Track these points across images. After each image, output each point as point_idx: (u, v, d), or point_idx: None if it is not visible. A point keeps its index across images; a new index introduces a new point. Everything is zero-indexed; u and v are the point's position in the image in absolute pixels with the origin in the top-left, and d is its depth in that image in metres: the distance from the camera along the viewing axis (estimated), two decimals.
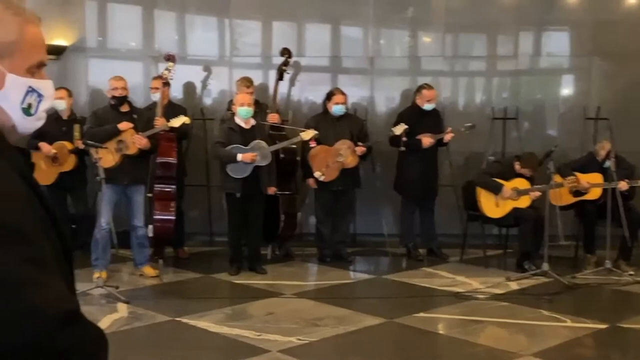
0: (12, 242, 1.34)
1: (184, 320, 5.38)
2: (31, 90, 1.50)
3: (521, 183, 6.92)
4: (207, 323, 5.32)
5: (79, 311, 1.43)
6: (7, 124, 1.50)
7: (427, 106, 7.29)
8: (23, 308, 1.32)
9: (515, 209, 6.89)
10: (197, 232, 8.03)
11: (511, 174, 6.96)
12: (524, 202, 6.90)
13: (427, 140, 7.18)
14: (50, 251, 1.44)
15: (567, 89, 8.52)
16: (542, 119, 8.35)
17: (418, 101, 7.33)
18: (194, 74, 8.16)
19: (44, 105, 1.54)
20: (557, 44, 8.40)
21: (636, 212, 6.89)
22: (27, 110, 1.51)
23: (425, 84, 7.41)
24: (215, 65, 8.25)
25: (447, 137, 7.27)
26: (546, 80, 8.51)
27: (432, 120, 7.36)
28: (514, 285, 6.42)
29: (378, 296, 6.29)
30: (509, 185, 6.89)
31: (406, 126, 7.05)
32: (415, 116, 7.25)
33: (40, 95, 1.52)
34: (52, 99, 1.56)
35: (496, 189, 6.88)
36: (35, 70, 1.51)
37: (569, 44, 8.37)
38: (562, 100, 8.42)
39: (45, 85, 1.54)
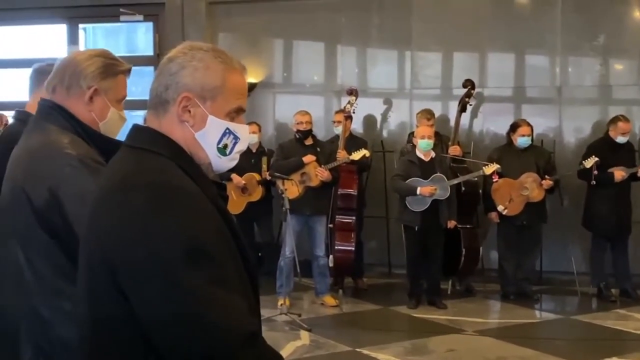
0: (201, 262, 1.42)
1: (364, 351, 5.40)
2: (228, 132, 1.61)
3: None
4: (388, 356, 5.30)
5: (259, 334, 1.48)
6: (204, 161, 1.61)
7: (621, 139, 6.87)
8: (207, 325, 1.40)
9: None
10: (375, 263, 8.06)
11: None
12: None
13: (619, 174, 6.75)
14: (235, 275, 1.51)
15: None
16: None
17: (611, 133, 6.92)
18: (375, 107, 8.27)
19: (239, 147, 1.64)
20: None
21: None
22: (222, 150, 1.61)
23: (622, 115, 6.98)
24: (396, 98, 8.32)
25: None
26: None
27: (625, 153, 6.93)
28: None
29: (566, 337, 5.97)
30: None
31: (597, 159, 6.68)
32: (606, 148, 6.85)
33: (236, 138, 1.62)
34: (247, 142, 1.66)
35: None
36: (234, 114, 1.62)
37: None
38: None
39: (242, 129, 1.63)
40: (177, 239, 1.42)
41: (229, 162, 1.65)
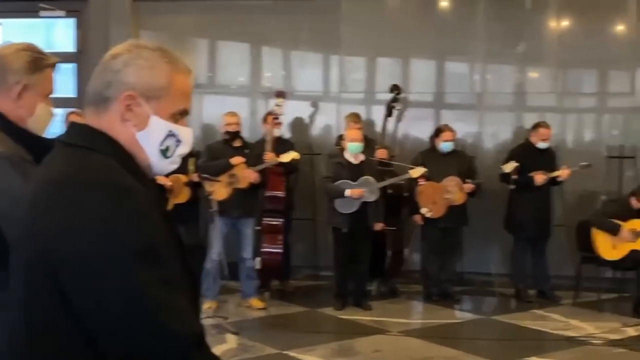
0: (151, 264, 1.40)
1: (292, 353, 5.41)
2: (171, 134, 1.57)
3: None
4: (315, 358, 5.34)
5: (205, 336, 1.48)
6: (145, 162, 1.58)
7: (542, 144, 7.13)
8: (158, 327, 1.39)
9: (633, 251, 6.59)
10: (302, 265, 8.08)
11: (628, 214, 6.68)
12: None
13: (540, 177, 7.00)
14: (180, 276, 1.49)
15: None
16: None
17: (532, 138, 7.18)
18: (302, 110, 8.30)
19: (181, 150, 1.60)
20: None
21: None
22: (164, 152, 1.58)
23: (543, 121, 7.26)
24: (323, 101, 8.38)
25: (563, 175, 7.06)
26: None
27: (546, 158, 7.19)
28: (631, 331, 6.13)
29: (487, 337, 6.13)
30: (626, 226, 6.61)
31: (517, 164, 6.91)
32: (528, 153, 7.10)
33: (178, 141, 1.59)
34: (189, 146, 1.62)
35: (613, 230, 6.61)
36: (178, 117, 1.58)
37: None
38: None
39: (185, 132, 1.60)
40: (129, 240, 1.39)
41: (170, 165, 1.61)
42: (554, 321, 6.51)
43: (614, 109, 8.18)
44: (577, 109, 8.32)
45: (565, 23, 8.09)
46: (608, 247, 6.68)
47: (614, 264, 6.87)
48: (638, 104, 7.95)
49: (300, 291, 7.54)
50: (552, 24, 8.11)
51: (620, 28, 8.02)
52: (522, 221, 7.12)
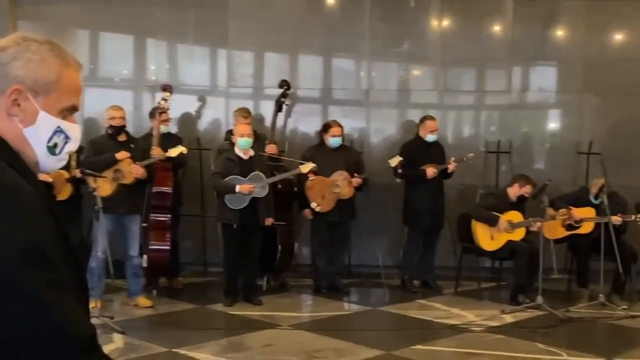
0: (39, 265, 1.36)
1: (181, 351, 5.34)
2: (59, 130, 1.53)
3: (515, 216, 6.99)
4: (205, 355, 5.29)
5: (97, 337, 1.45)
6: (32, 159, 1.53)
7: (430, 137, 7.36)
8: (51, 332, 1.35)
9: (510, 242, 6.94)
10: (191, 262, 7.98)
11: (505, 206, 7.02)
12: (518, 235, 6.96)
13: (431, 170, 7.22)
14: (69, 276, 1.46)
15: (555, 124, 8.66)
16: (530, 153, 8.46)
17: (421, 132, 7.40)
18: (190, 104, 8.19)
19: (69, 147, 1.56)
20: (547, 79, 8.56)
21: (629, 247, 6.96)
22: (52, 149, 1.54)
23: (429, 115, 7.51)
24: (211, 95, 8.30)
25: (451, 167, 7.31)
26: (534, 115, 8.63)
27: (435, 152, 7.42)
28: (508, 318, 6.44)
29: (375, 328, 6.29)
30: (503, 218, 6.94)
31: (401, 158, 7.11)
32: (418, 148, 7.32)
33: (67, 137, 1.55)
34: (78, 143, 1.59)
35: (492, 221, 6.94)
36: (66, 113, 1.54)
37: (559, 80, 8.51)
38: (550, 135, 8.54)
39: (74, 129, 1.56)
40: (16, 240, 1.33)
41: (58, 162, 1.57)
42: (437, 310, 6.75)
43: (491, 106, 8.60)
44: (457, 106, 8.68)
45: (446, 23, 8.40)
46: (487, 238, 7.00)
47: (493, 254, 7.21)
48: (514, 101, 8.40)
49: (189, 288, 7.44)
50: (435, 24, 8.40)
51: (497, 29, 8.42)
52: (418, 214, 7.32)
